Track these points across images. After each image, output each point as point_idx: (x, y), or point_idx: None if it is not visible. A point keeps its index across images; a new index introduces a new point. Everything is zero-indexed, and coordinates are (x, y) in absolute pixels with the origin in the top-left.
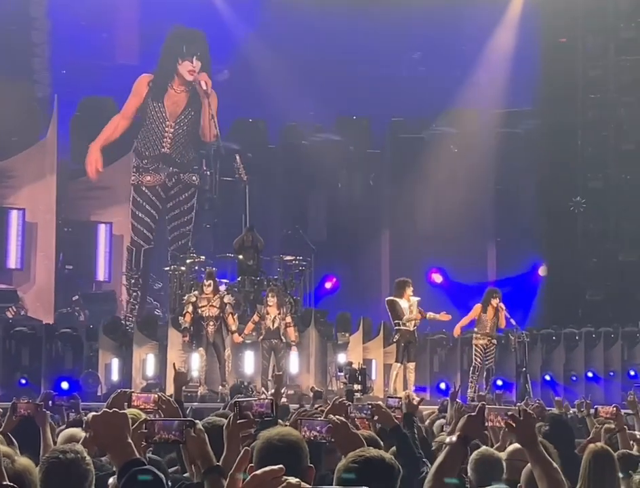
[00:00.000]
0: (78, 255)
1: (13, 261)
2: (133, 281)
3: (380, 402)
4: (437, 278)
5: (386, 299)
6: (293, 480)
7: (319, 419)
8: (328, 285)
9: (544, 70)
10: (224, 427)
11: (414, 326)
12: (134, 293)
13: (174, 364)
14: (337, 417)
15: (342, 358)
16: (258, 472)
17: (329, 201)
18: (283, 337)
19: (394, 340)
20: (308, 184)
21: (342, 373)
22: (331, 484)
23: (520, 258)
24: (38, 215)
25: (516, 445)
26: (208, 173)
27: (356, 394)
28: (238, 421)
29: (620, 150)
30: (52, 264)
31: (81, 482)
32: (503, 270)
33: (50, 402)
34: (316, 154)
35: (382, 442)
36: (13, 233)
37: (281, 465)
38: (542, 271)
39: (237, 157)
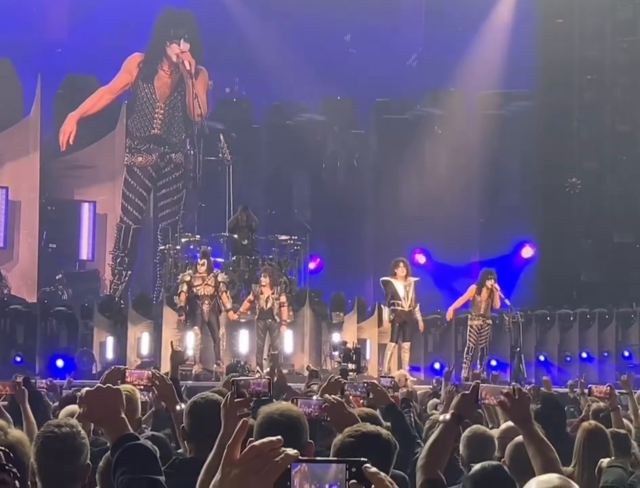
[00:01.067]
0: (61, 234)
1: None
2: (119, 260)
3: (375, 381)
4: (420, 258)
5: (381, 279)
6: (291, 451)
7: (315, 397)
8: (312, 266)
9: (541, 51)
10: (222, 405)
11: (409, 307)
12: (119, 273)
13: (171, 342)
14: (332, 396)
15: (336, 337)
16: (256, 442)
17: (313, 181)
18: (276, 317)
19: (389, 320)
20: (292, 164)
21: (337, 353)
22: None
23: (505, 239)
24: (21, 194)
25: (510, 424)
26: (192, 152)
27: (350, 373)
28: (235, 400)
29: (616, 131)
30: (35, 243)
31: (77, 455)
32: (487, 251)
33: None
34: (300, 135)
35: (382, 419)
36: None
37: (279, 437)
38: (525, 252)
39: (221, 137)
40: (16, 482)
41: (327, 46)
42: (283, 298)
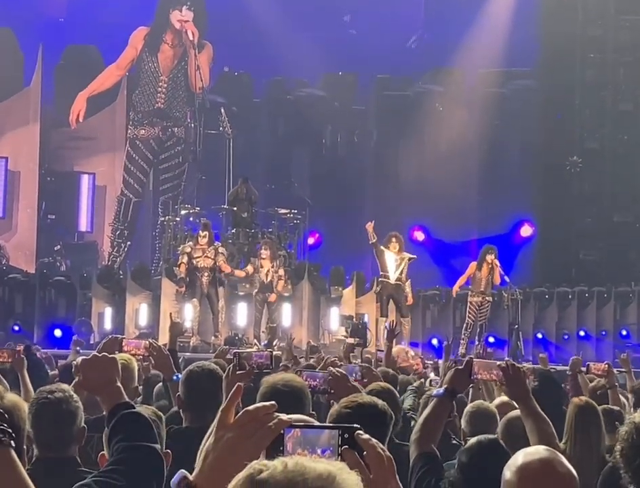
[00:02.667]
0: (60, 205)
1: None
2: (118, 232)
3: (369, 366)
4: (419, 235)
5: (370, 243)
6: (284, 416)
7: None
8: (310, 241)
9: (543, 29)
10: (224, 377)
11: (397, 280)
12: (118, 245)
13: (170, 314)
14: (336, 369)
15: (334, 312)
16: (250, 407)
17: (313, 156)
18: (275, 290)
19: (376, 291)
20: (293, 139)
21: (344, 327)
22: None
23: (504, 218)
24: (21, 164)
25: (504, 398)
26: (192, 125)
27: (356, 347)
28: (237, 372)
29: (618, 111)
30: (34, 214)
31: (72, 419)
32: (486, 229)
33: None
34: (301, 110)
35: (398, 394)
36: None
37: (273, 402)
38: (524, 231)
39: (222, 110)
40: (12, 442)
41: (329, 22)
42: (282, 271)
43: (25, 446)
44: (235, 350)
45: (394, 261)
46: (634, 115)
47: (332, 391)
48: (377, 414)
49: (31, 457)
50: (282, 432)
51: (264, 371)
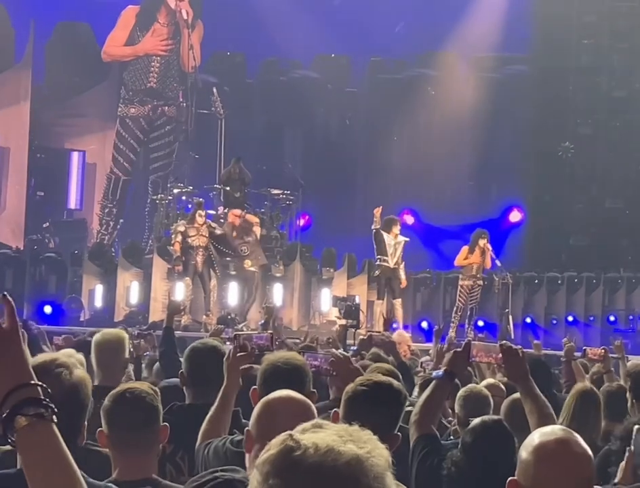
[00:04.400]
0: (50, 182)
1: None
2: (107, 210)
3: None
4: (409, 219)
5: (373, 229)
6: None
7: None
8: (301, 223)
9: (538, 15)
10: (224, 358)
11: (395, 264)
12: (107, 223)
13: (169, 292)
14: (339, 351)
15: (325, 293)
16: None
17: (306, 138)
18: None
19: (375, 275)
20: (285, 120)
21: (337, 308)
22: None
23: (494, 202)
24: (11, 141)
25: (490, 380)
26: (184, 105)
27: (350, 329)
28: (238, 354)
29: (611, 97)
30: (23, 190)
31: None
32: (476, 213)
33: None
34: (294, 91)
35: (400, 376)
36: None
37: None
38: (513, 216)
39: (214, 90)
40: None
41: (322, 4)
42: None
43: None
44: (236, 332)
45: (393, 246)
46: (628, 101)
47: (334, 373)
48: (393, 393)
49: None
50: None
51: (265, 352)
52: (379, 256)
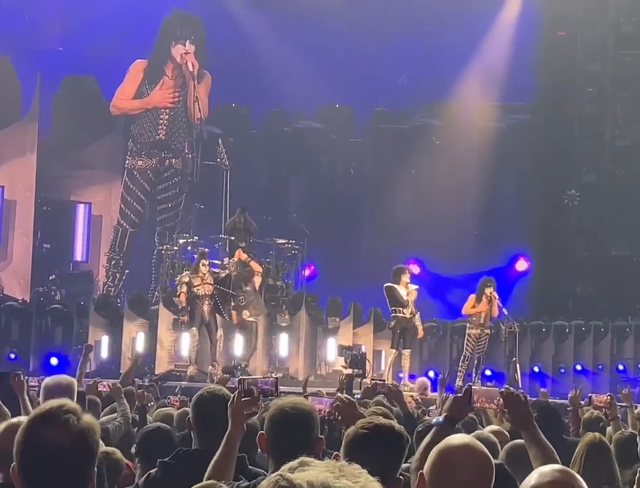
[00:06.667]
0: (56, 234)
1: None
2: (114, 262)
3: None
4: (414, 269)
5: (385, 285)
6: None
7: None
8: (306, 273)
9: (542, 64)
10: (229, 404)
11: (410, 314)
12: (113, 275)
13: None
14: (344, 395)
15: (331, 343)
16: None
17: (310, 188)
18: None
19: (390, 326)
20: (290, 171)
21: (343, 357)
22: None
23: (500, 251)
24: (17, 193)
25: (493, 427)
26: (190, 156)
27: (356, 378)
28: (242, 399)
29: (615, 145)
30: (30, 242)
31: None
32: (482, 263)
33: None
34: (298, 142)
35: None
36: None
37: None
38: (520, 265)
39: (220, 142)
40: None
41: (325, 55)
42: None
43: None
44: (241, 377)
45: (406, 295)
46: (632, 150)
47: (339, 417)
48: (394, 436)
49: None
50: None
51: (270, 397)
52: (394, 307)
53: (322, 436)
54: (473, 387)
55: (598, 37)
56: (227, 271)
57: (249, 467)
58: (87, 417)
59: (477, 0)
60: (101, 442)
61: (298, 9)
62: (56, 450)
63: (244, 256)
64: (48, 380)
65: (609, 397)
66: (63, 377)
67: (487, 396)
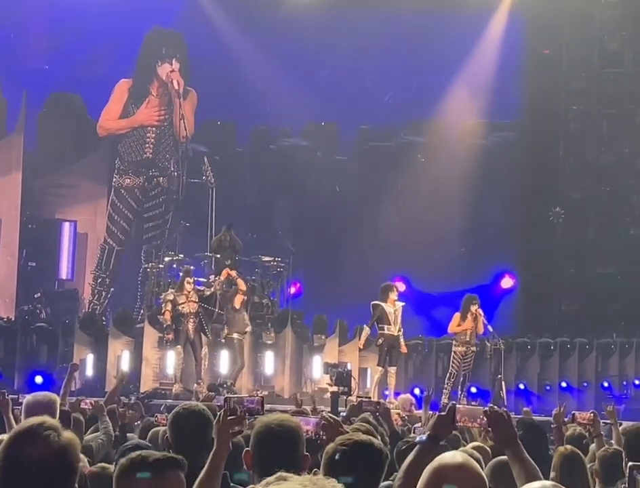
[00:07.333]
0: (41, 253)
1: None
2: (100, 280)
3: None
4: (400, 286)
5: (372, 303)
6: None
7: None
8: (292, 290)
9: (527, 81)
10: (214, 422)
11: (398, 331)
12: (99, 293)
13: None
14: (329, 414)
15: (316, 361)
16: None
17: (296, 206)
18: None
19: (377, 344)
20: (275, 188)
21: (328, 375)
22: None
23: (486, 269)
24: (2, 211)
25: (475, 443)
26: (176, 174)
27: (341, 396)
28: (228, 418)
29: (601, 162)
30: (15, 261)
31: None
32: (467, 280)
33: None
34: (284, 159)
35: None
36: None
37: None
38: (505, 283)
39: (205, 160)
40: None
41: (310, 73)
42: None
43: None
44: (226, 396)
45: (393, 313)
46: (617, 167)
47: (324, 436)
48: (373, 452)
49: None
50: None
51: (255, 416)
52: (381, 325)
53: (307, 454)
54: (457, 406)
55: (582, 55)
56: (212, 289)
57: (232, 484)
58: (68, 434)
59: (462, 18)
60: (85, 459)
61: (283, 27)
62: (37, 466)
63: (233, 273)
64: (29, 398)
65: (592, 414)
66: (43, 395)
67: (469, 415)
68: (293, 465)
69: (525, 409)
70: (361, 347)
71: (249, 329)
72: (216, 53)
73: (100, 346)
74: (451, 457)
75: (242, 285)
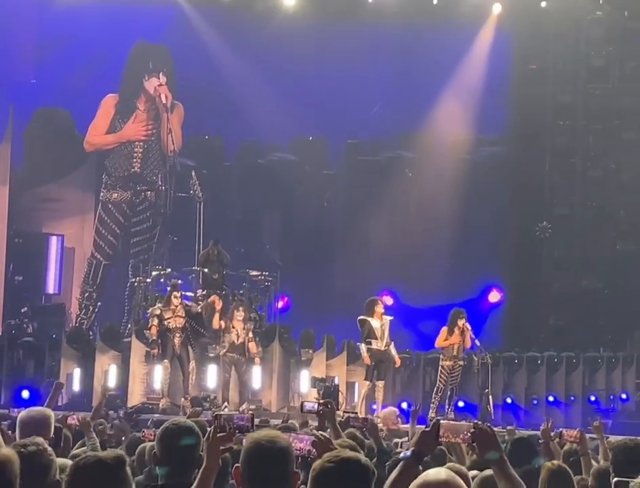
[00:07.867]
0: (28, 267)
1: None
2: (87, 294)
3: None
4: (388, 300)
5: (358, 318)
6: None
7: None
8: (280, 304)
9: (514, 96)
10: (204, 439)
11: (385, 346)
12: (86, 307)
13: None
14: (320, 432)
15: (304, 375)
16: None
17: (284, 220)
18: (246, 352)
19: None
20: (263, 202)
21: (316, 389)
22: None
23: (473, 283)
24: None
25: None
26: (163, 188)
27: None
28: (218, 434)
29: (587, 177)
30: (1, 275)
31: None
32: (455, 294)
33: None
34: (272, 174)
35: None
36: None
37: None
38: (492, 297)
39: (193, 174)
40: None
41: (298, 87)
42: (251, 333)
43: None
44: (216, 413)
45: (379, 327)
46: (604, 181)
47: (315, 453)
48: (361, 469)
49: None
50: None
51: (245, 433)
52: (369, 339)
53: (297, 470)
54: (440, 421)
55: (569, 70)
56: (200, 307)
57: None
58: (5, 451)
59: (450, 33)
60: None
61: (271, 41)
62: None
63: (219, 305)
64: (23, 414)
65: (578, 432)
66: (37, 410)
67: (453, 431)
68: (282, 482)
69: (508, 427)
70: (369, 363)
71: (256, 356)
72: (203, 67)
73: (87, 360)
74: (435, 473)
75: (217, 303)
